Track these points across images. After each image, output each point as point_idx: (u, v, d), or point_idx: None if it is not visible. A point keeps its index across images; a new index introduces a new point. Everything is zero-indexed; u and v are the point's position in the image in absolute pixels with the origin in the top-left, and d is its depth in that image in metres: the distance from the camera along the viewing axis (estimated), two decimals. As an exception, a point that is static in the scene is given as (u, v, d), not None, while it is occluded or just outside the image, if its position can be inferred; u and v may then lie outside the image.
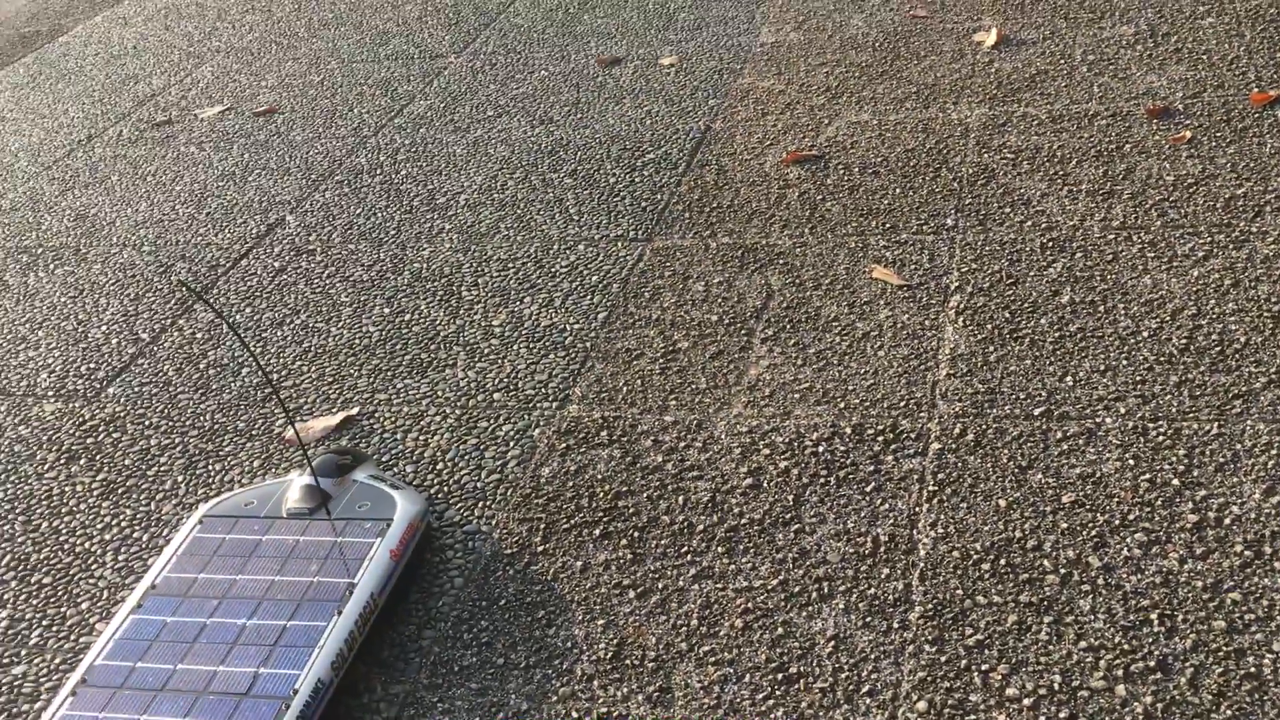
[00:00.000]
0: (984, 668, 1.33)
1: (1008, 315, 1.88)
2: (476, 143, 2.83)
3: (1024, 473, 1.57)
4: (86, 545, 1.73)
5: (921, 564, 1.46)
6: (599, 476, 1.70)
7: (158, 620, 1.47)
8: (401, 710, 1.39)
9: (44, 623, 1.60)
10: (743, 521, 1.58)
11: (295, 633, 1.41)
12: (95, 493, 1.84)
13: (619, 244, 2.30)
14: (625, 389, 1.88)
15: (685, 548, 1.55)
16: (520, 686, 1.39)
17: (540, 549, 1.59)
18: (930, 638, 1.37)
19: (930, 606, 1.41)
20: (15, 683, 1.51)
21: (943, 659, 1.34)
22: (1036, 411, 1.67)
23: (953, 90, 2.65)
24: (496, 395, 1.92)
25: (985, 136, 2.43)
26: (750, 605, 1.45)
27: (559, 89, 3.03)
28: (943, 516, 1.53)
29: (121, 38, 4.10)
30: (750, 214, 2.30)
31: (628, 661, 1.40)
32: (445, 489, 1.73)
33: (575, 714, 1.35)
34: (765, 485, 1.63)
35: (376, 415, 1.92)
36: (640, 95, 2.92)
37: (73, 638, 1.57)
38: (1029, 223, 2.11)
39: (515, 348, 2.03)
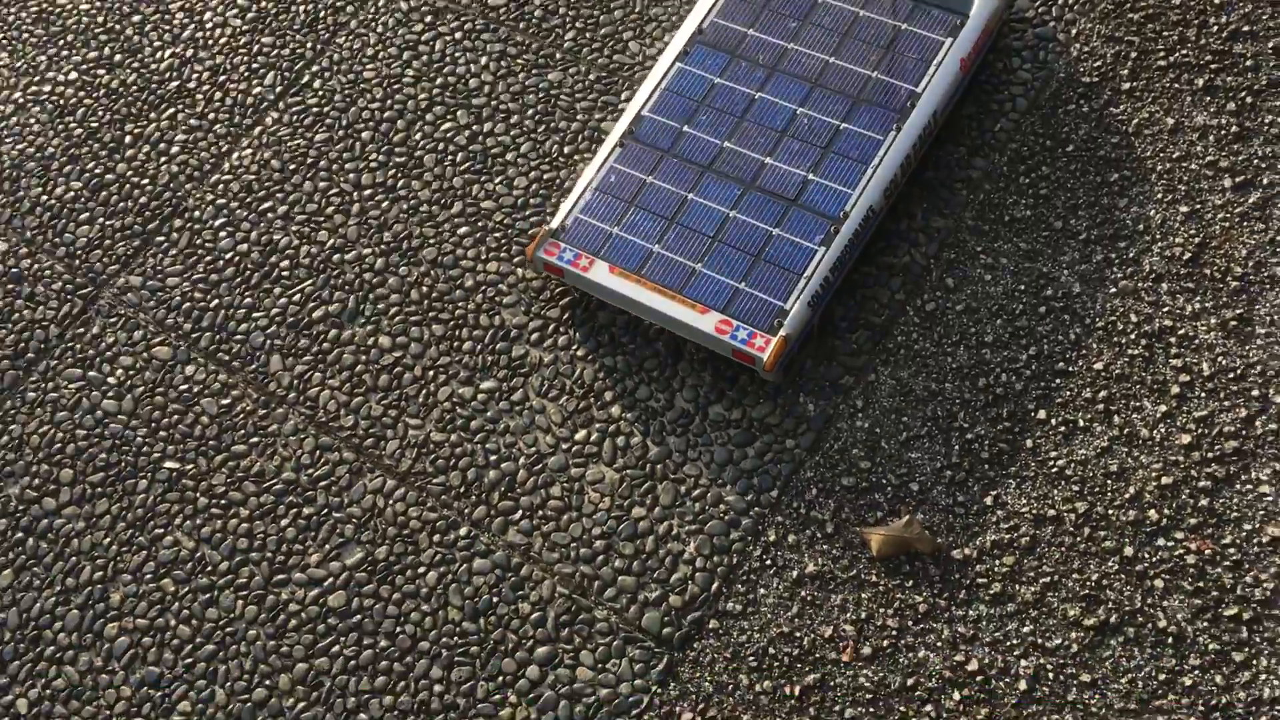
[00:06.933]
0: None
1: None
2: None
3: None
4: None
5: None
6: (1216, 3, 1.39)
7: (705, 78, 1.38)
8: (941, 249, 1.32)
9: (578, 26, 1.55)
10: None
11: (849, 140, 1.31)
12: None
13: None
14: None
15: (1307, 137, 1.30)
16: (1075, 262, 1.28)
17: (1125, 87, 1.36)
18: None
19: None
20: (554, 89, 1.50)
21: None
22: None
23: None
24: None
25: None
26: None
27: None
28: None
29: None
30: None
31: (1206, 271, 1.25)
32: (1022, -32, 1.46)
33: (1134, 317, 1.24)
34: None
35: None
36: None
37: (606, 51, 1.52)
38: None
39: None
